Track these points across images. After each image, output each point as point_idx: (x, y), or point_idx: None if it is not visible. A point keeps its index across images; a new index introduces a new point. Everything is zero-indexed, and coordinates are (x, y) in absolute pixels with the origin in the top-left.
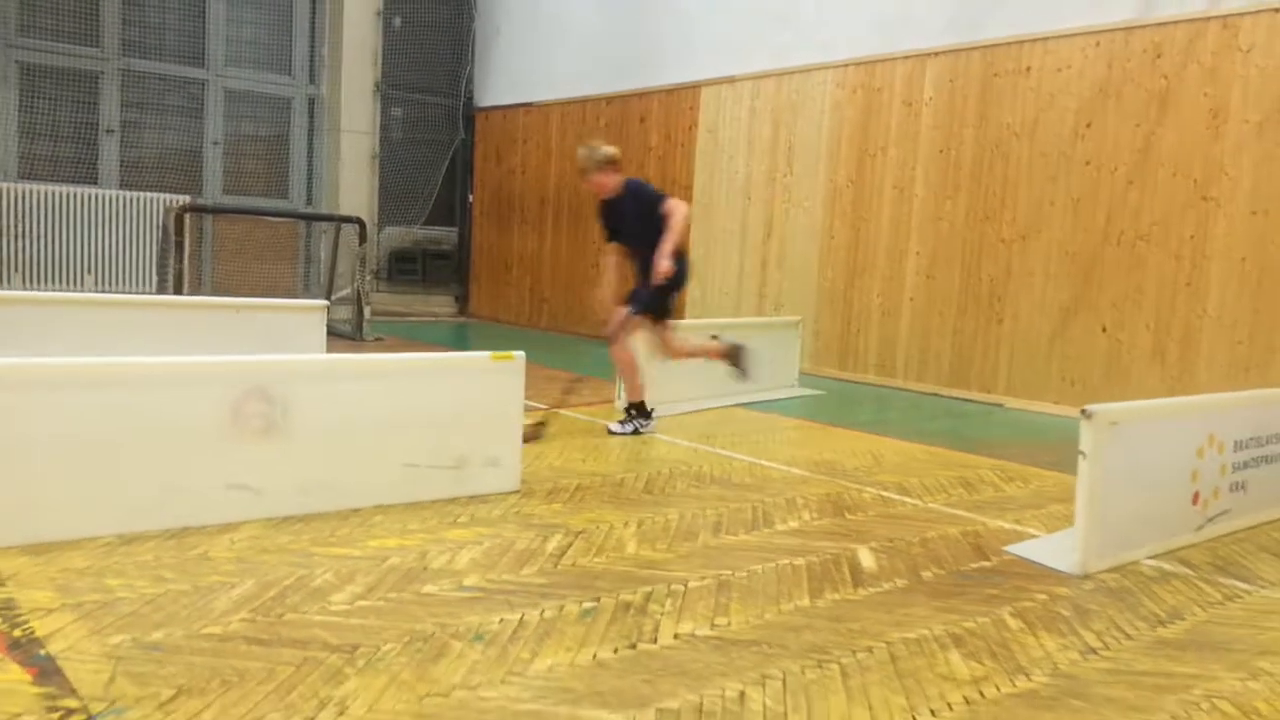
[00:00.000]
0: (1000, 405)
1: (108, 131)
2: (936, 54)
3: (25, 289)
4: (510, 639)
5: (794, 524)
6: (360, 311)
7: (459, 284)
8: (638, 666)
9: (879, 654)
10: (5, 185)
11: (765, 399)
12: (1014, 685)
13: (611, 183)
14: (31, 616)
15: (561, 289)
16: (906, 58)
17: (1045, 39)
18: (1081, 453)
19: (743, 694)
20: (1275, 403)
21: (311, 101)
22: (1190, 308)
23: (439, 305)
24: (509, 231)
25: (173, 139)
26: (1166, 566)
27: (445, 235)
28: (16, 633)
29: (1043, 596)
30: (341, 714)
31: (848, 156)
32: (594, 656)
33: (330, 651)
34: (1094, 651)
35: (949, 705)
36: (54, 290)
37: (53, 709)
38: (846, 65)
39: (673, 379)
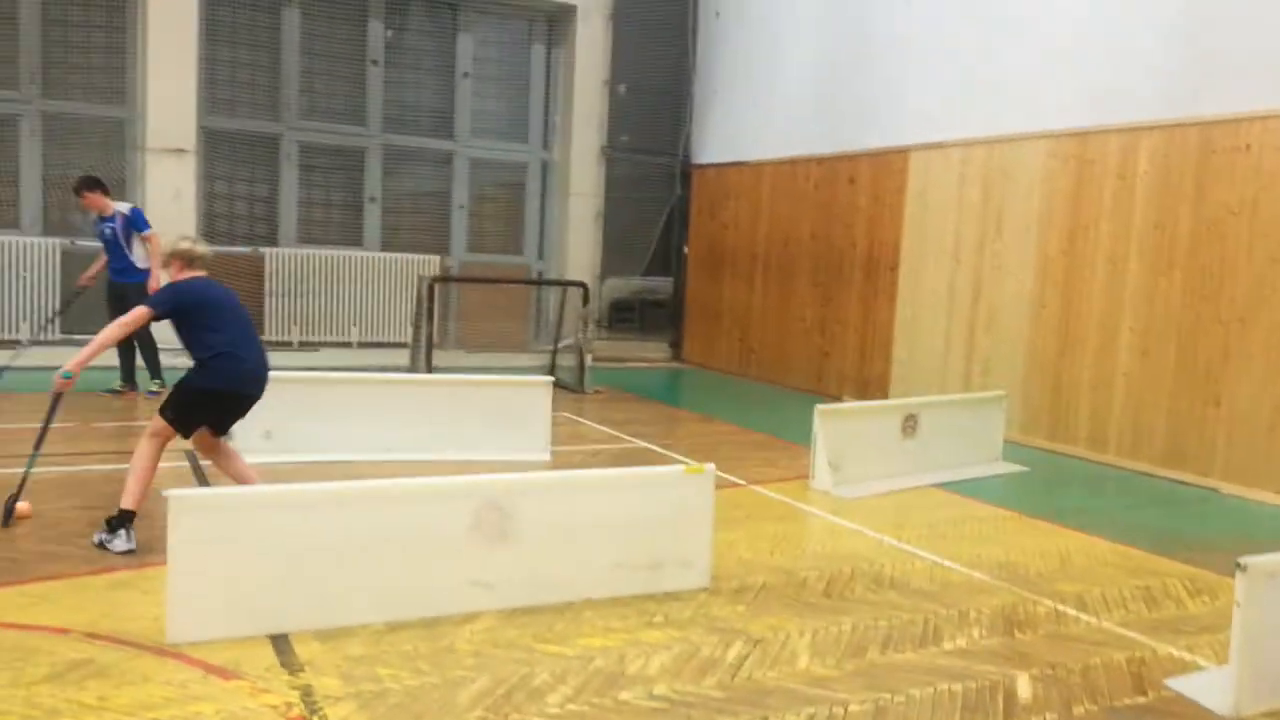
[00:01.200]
0: (1215, 490)
1: (370, 200)
2: (1151, 128)
3: (301, 338)
4: None
5: (961, 642)
6: (582, 366)
7: (673, 331)
8: None
9: None
10: (287, 250)
11: (966, 477)
12: None
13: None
14: (325, 704)
15: (770, 341)
16: (1120, 130)
17: (1265, 117)
18: (1237, 602)
19: None
20: None
21: (544, 165)
22: None
23: (654, 351)
24: (720, 283)
25: (425, 204)
26: None
27: (661, 285)
28: (318, 717)
29: None
30: None
31: (1060, 226)
32: None
33: None
34: None
35: None
36: (323, 339)
37: None
38: (1059, 135)
39: (868, 456)
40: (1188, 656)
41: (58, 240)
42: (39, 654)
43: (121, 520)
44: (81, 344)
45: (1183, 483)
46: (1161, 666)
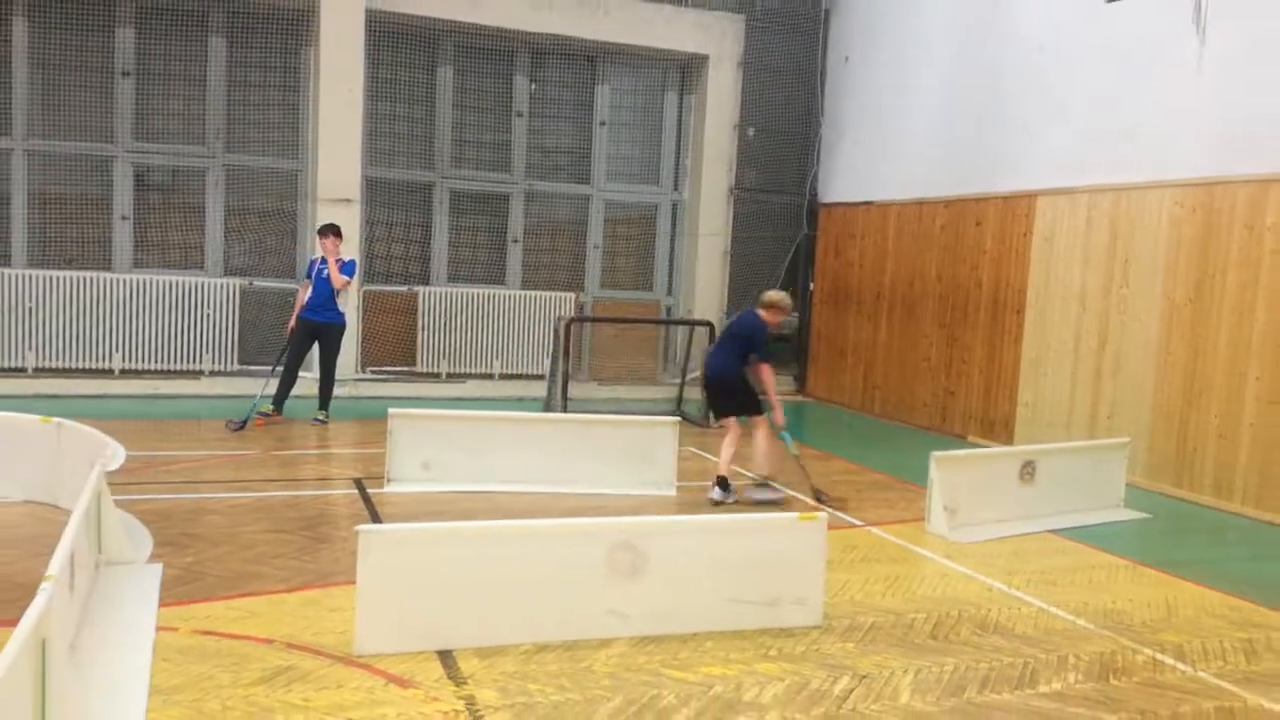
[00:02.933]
0: None
1: (514, 241)
2: None
3: (449, 370)
4: None
5: (1057, 686)
6: None
7: (798, 365)
8: None
9: None
10: (437, 288)
11: (1087, 524)
12: None
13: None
14: (486, 712)
15: (894, 378)
16: (1248, 181)
17: None
18: None
19: None
20: None
21: (674, 206)
22: None
23: (779, 385)
24: (845, 319)
25: (563, 244)
26: None
27: (786, 320)
28: None
29: None
30: None
31: (1185, 275)
32: None
33: None
34: None
35: None
36: (468, 371)
37: None
38: (1185, 185)
39: (984, 501)
40: (1277, 708)
41: (237, 280)
42: (251, 660)
43: (721, 481)
44: (258, 374)
45: None
46: (1249, 717)
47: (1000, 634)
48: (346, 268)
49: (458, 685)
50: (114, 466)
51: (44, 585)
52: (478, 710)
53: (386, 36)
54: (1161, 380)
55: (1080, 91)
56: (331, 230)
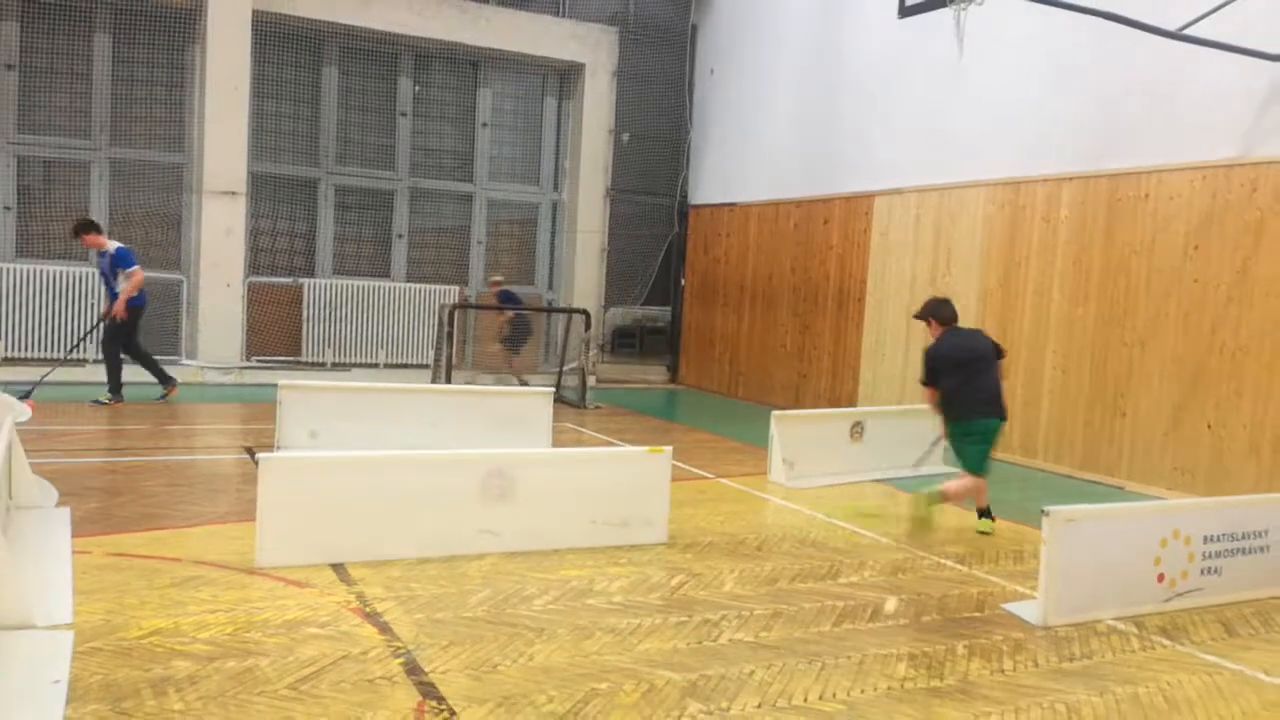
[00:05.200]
0: (1121, 488)
1: (398, 236)
2: (1071, 178)
3: (334, 359)
4: (629, 633)
5: (854, 579)
6: (584, 384)
7: (671, 355)
8: (698, 654)
9: (853, 659)
10: (323, 280)
11: (909, 476)
12: (928, 684)
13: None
14: (373, 601)
15: (755, 364)
16: (1045, 180)
17: (1160, 171)
18: (1044, 540)
19: (752, 671)
20: (1242, 507)
21: (554, 205)
22: None
23: (653, 374)
24: (713, 312)
25: (447, 240)
26: (1120, 626)
27: (660, 313)
28: (368, 609)
29: (999, 637)
30: (530, 660)
31: (996, 263)
32: (674, 646)
33: (528, 630)
34: (1002, 671)
35: (874, 688)
36: (353, 360)
37: (389, 646)
38: (996, 184)
39: (819, 455)
40: (1030, 592)
41: None
42: (162, 572)
43: None
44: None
45: (1097, 483)
46: (1005, 597)
47: (815, 547)
48: (119, 257)
49: (349, 586)
50: (24, 419)
51: None
52: (367, 600)
53: (273, 36)
54: None
55: (907, 103)
56: (81, 229)
